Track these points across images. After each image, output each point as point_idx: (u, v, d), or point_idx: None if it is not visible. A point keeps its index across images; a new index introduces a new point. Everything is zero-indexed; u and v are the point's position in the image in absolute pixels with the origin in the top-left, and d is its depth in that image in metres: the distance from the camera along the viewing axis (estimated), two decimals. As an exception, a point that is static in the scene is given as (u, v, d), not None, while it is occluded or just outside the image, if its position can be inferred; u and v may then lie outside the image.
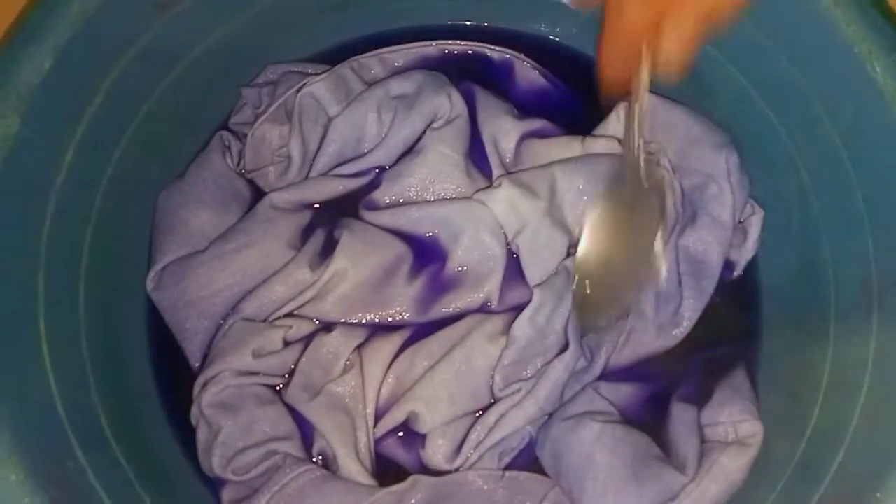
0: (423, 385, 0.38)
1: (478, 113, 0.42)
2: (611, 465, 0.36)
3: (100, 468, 0.34)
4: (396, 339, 0.39)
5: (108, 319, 0.39)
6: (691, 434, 0.36)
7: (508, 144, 0.42)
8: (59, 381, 0.34)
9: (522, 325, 0.38)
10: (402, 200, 0.41)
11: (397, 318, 0.40)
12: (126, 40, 0.36)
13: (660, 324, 0.40)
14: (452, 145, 0.41)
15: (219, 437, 0.37)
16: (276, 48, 0.44)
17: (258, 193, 0.43)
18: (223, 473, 0.37)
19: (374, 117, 0.42)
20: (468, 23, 0.47)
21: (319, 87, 0.42)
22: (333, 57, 0.44)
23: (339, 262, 0.39)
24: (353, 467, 0.37)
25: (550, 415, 0.39)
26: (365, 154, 0.42)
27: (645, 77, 0.35)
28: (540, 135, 0.42)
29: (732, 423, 0.37)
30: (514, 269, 0.40)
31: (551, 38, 0.47)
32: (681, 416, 0.37)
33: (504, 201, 0.40)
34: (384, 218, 0.41)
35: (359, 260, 0.39)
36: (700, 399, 0.38)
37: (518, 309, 0.39)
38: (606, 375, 0.40)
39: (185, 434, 0.39)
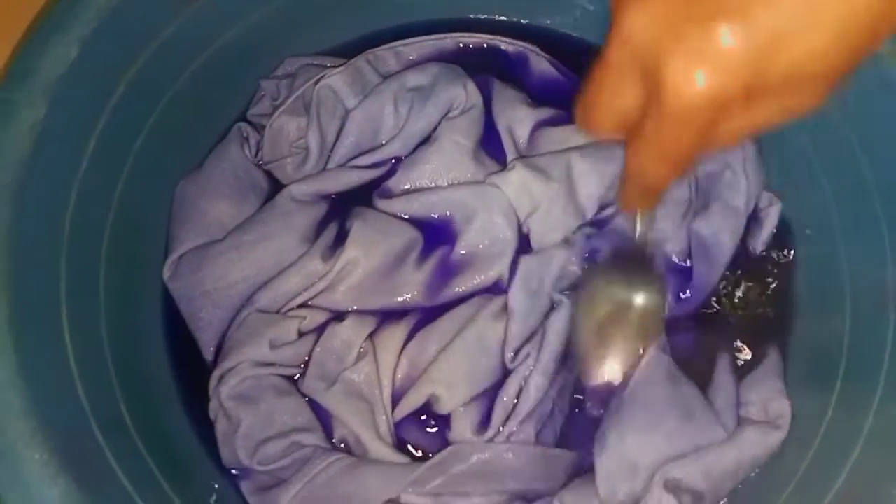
0: (439, 367, 0.38)
1: (493, 103, 0.43)
2: (669, 403, 0.36)
3: (118, 451, 0.34)
4: (407, 324, 0.40)
5: (127, 307, 0.39)
6: (732, 399, 0.37)
7: (523, 132, 0.42)
8: (79, 365, 0.34)
9: (516, 294, 0.39)
10: (415, 188, 0.42)
11: (408, 304, 0.40)
12: (149, 32, 0.37)
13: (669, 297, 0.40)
14: (467, 134, 0.41)
15: (240, 429, 0.37)
16: (294, 41, 0.45)
17: (275, 185, 0.43)
18: (249, 464, 0.37)
19: (391, 109, 0.42)
20: (482, 16, 0.48)
21: (337, 80, 0.42)
22: (351, 50, 0.45)
23: (350, 251, 0.39)
24: (382, 448, 0.37)
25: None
26: (382, 145, 0.43)
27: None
28: (554, 123, 0.42)
29: (762, 401, 0.37)
30: (524, 251, 0.41)
31: (564, 31, 0.48)
32: (723, 383, 0.38)
33: (517, 183, 0.40)
34: (397, 205, 0.41)
35: (370, 248, 0.40)
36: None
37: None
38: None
39: (201, 422, 0.39)
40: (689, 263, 0.41)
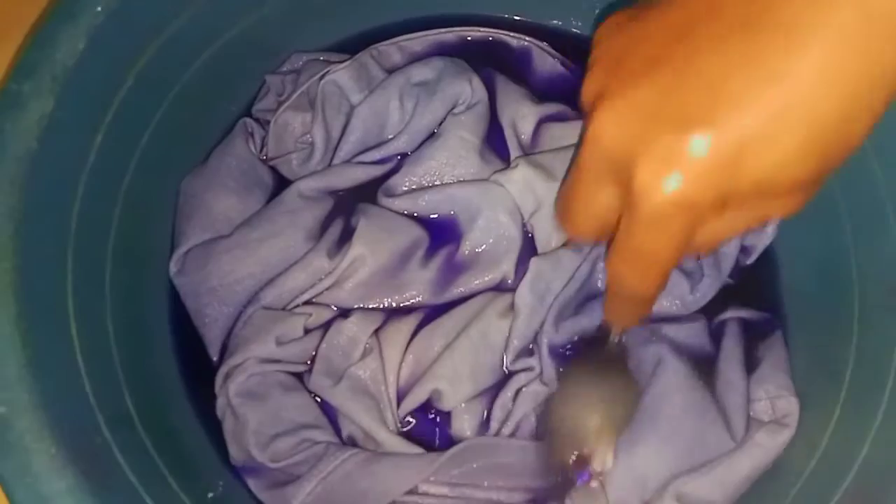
0: (443, 363, 0.38)
1: (497, 98, 0.43)
2: (683, 413, 0.36)
3: (125, 446, 0.34)
4: (412, 321, 0.39)
5: (134, 302, 0.39)
6: (742, 400, 0.37)
7: (527, 128, 0.42)
8: (86, 361, 0.34)
9: (523, 294, 0.38)
10: (420, 185, 0.42)
11: (413, 301, 0.40)
12: (157, 25, 0.37)
13: (676, 293, 0.40)
14: (472, 130, 0.41)
15: (249, 425, 0.37)
16: (299, 37, 0.45)
17: (280, 180, 0.43)
18: (262, 460, 0.37)
19: (397, 105, 0.42)
20: (487, 13, 0.48)
21: (342, 75, 0.42)
22: (356, 45, 0.45)
23: (357, 248, 0.39)
24: (395, 441, 0.37)
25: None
26: (388, 141, 0.43)
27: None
28: (558, 119, 0.43)
29: (770, 399, 0.37)
30: (529, 249, 0.41)
31: (570, 29, 0.48)
32: (733, 380, 0.37)
33: (520, 181, 0.40)
34: (401, 203, 0.41)
35: (377, 246, 0.40)
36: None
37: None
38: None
39: (207, 418, 0.39)
40: (695, 264, 0.41)
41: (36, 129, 0.33)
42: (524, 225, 0.41)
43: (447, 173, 0.41)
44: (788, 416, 0.37)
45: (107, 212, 0.37)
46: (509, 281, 0.40)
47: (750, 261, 0.42)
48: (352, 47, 0.45)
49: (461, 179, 0.41)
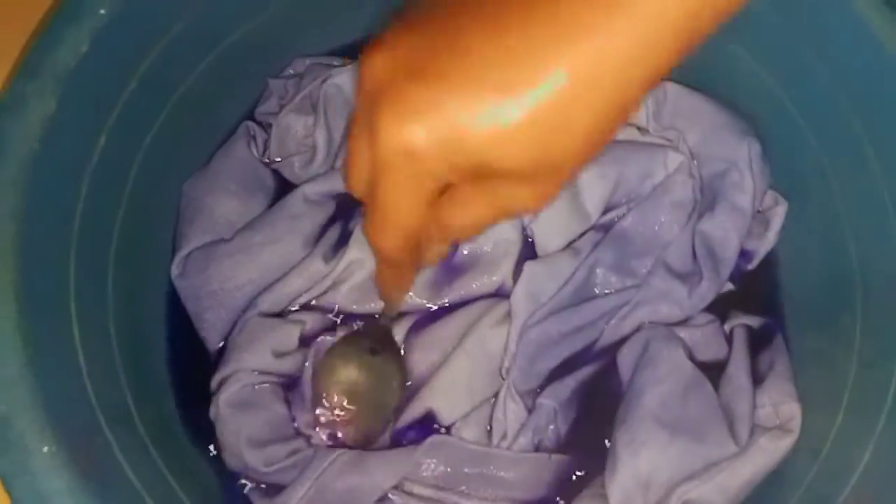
0: (440, 378, 0.38)
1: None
2: (679, 418, 0.36)
3: (125, 445, 0.34)
4: (403, 325, 0.40)
5: (135, 303, 0.39)
6: (748, 408, 0.37)
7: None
8: (87, 360, 0.34)
9: (518, 299, 0.38)
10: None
11: (410, 303, 0.40)
12: (160, 28, 0.37)
13: (674, 298, 0.40)
14: None
15: (241, 434, 0.38)
16: (302, 41, 0.45)
17: (282, 183, 0.44)
18: (256, 465, 0.37)
19: (398, 107, 0.42)
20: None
21: (344, 78, 0.43)
22: (358, 49, 0.45)
23: (353, 252, 0.40)
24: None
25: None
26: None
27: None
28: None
29: (773, 405, 0.37)
30: (529, 254, 0.41)
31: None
32: (742, 387, 0.37)
33: None
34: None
35: None
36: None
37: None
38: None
39: (207, 418, 0.39)
40: (692, 267, 0.41)
41: (38, 130, 0.33)
42: (524, 229, 0.41)
43: None
44: (791, 422, 0.37)
45: (110, 214, 0.38)
46: (508, 287, 0.40)
47: (751, 266, 0.42)
48: (354, 51, 0.45)
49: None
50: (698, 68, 0.43)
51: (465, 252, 0.41)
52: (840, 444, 0.36)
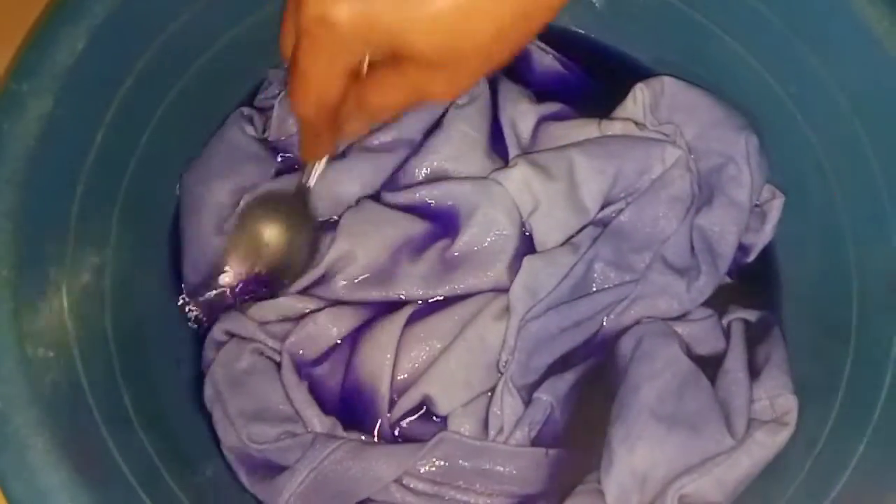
0: (438, 367, 0.38)
1: (498, 97, 0.43)
2: (675, 412, 0.36)
3: (121, 441, 0.34)
4: (400, 318, 0.39)
5: (131, 300, 0.39)
6: (745, 402, 0.37)
7: (526, 126, 0.42)
8: (83, 357, 0.34)
9: (517, 292, 0.38)
10: (421, 180, 0.42)
11: (405, 296, 0.40)
12: (158, 25, 0.37)
13: (672, 293, 0.40)
14: (474, 125, 0.42)
15: (230, 408, 0.38)
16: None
17: (281, 158, 0.44)
18: (246, 441, 0.37)
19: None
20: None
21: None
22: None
23: (341, 242, 0.40)
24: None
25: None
26: (390, 127, 0.42)
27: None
28: (557, 118, 0.43)
29: (770, 398, 0.37)
30: (527, 249, 0.41)
31: (570, 29, 0.48)
32: (739, 380, 0.37)
33: (518, 181, 0.40)
34: (401, 197, 0.41)
35: (363, 240, 0.40)
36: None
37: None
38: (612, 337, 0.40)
39: (203, 414, 0.40)
40: (690, 261, 0.41)
41: (35, 128, 0.33)
42: (522, 224, 0.41)
43: (450, 169, 0.42)
44: (788, 415, 0.37)
45: (107, 210, 0.38)
46: (506, 281, 0.40)
47: (749, 259, 0.42)
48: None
49: (462, 176, 0.41)
50: (697, 66, 0.43)
51: (463, 247, 0.40)
52: (836, 436, 0.36)
